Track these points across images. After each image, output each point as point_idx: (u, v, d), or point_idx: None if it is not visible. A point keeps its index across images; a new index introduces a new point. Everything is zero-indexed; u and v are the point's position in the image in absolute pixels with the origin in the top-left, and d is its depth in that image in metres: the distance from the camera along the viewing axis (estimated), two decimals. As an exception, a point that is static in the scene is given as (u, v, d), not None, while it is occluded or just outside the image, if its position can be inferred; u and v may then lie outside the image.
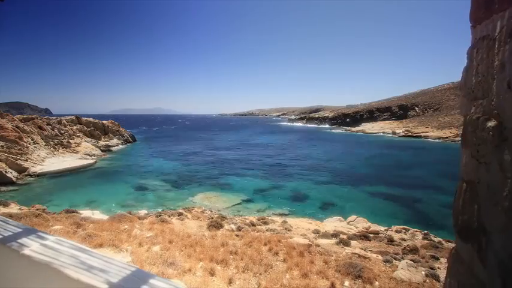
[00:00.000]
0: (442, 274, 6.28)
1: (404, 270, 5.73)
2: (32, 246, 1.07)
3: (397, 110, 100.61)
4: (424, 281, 5.49)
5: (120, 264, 0.97)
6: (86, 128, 46.86)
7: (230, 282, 4.58)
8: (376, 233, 11.19)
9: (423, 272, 5.96)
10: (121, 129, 56.04)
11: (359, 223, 13.22)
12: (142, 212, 12.93)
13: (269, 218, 13.04)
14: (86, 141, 43.17)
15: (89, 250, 1.05)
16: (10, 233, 1.14)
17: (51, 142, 36.79)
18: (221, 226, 8.58)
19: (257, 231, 8.69)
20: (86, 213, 11.58)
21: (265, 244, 6.68)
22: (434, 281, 5.63)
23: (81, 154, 37.45)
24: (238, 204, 20.05)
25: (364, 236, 10.04)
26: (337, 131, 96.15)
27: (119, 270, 0.93)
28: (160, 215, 9.54)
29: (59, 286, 0.94)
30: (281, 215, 16.98)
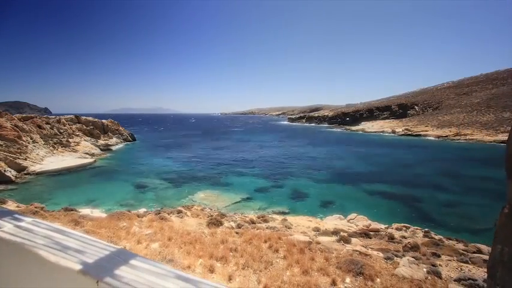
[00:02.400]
0: (444, 271, 6.23)
1: (405, 267, 5.68)
2: (4, 228, 1.01)
3: (397, 109, 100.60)
4: (426, 278, 5.43)
5: (100, 245, 0.91)
6: (85, 127, 46.75)
7: (230, 279, 4.52)
8: (377, 230, 11.14)
9: (425, 269, 5.90)
10: (120, 128, 55.95)
11: (359, 221, 13.17)
12: (142, 210, 12.86)
13: (269, 216, 12.98)
14: (85, 140, 43.08)
15: (67, 231, 0.99)
16: None
17: (50, 141, 36.70)
18: (221, 224, 8.52)
19: (257, 229, 8.63)
20: (85, 211, 11.52)
21: (265, 241, 6.62)
22: (436, 278, 5.58)
23: (81, 153, 37.36)
24: (237, 202, 20.01)
25: (364, 234, 9.99)
26: (337, 130, 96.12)
27: (96, 250, 0.88)
28: (159, 213, 9.48)
29: (31, 267, 0.89)
30: (281, 213, 16.93)
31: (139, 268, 0.81)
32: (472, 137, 59.17)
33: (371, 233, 10.46)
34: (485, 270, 6.76)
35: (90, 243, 0.92)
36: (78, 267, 0.79)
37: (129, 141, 55.21)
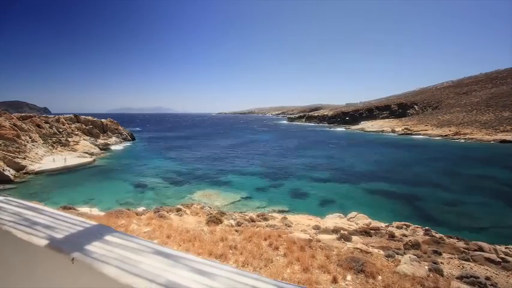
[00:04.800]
0: (446, 269, 6.18)
1: (407, 264, 5.62)
2: None
3: (397, 109, 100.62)
4: (428, 276, 5.37)
5: (74, 222, 0.86)
6: (84, 127, 46.64)
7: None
8: (377, 229, 11.08)
9: (426, 267, 5.85)
10: (120, 127, 55.83)
11: (359, 219, 13.11)
12: (141, 208, 12.79)
13: (269, 214, 12.93)
14: (84, 139, 42.97)
15: (40, 209, 0.94)
16: None
17: (49, 140, 36.59)
18: (220, 222, 8.46)
19: (257, 227, 8.57)
20: (83, 210, 11.45)
21: (265, 239, 6.55)
22: (438, 275, 5.52)
23: (80, 152, 37.25)
24: (237, 201, 19.95)
25: (365, 232, 9.93)
26: (337, 129, 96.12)
27: (69, 226, 0.82)
28: (158, 211, 9.41)
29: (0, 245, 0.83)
30: (281, 211, 16.88)
31: (114, 243, 0.77)
32: (472, 136, 59.19)
33: (371, 231, 10.40)
34: (487, 268, 6.70)
35: (64, 219, 0.87)
36: (52, 244, 0.75)
37: (129, 140, 55.10)
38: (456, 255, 7.59)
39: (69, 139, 39.90)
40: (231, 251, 5.61)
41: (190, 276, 0.65)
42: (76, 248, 0.73)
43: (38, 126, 38.31)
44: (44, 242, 0.76)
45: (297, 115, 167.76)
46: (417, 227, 12.01)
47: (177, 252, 0.72)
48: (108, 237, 0.79)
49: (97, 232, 0.81)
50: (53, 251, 0.73)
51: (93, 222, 0.88)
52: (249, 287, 0.66)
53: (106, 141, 47.60)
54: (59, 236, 0.79)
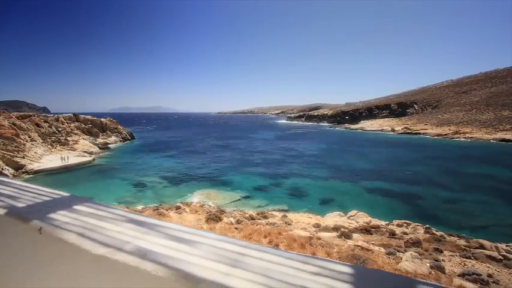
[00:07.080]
0: (447, 266, 6.13)
1: (409, 261, 5.57)
2: None
3: (396, 108, 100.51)
4: (430, 273, 5.32)
5: (43, 193, 0.80)
6: (83, 126, 46.53)
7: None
8: (377, 227, 11.03)
9: (428, 264, 5.80)
10: (119, 126, 55.67)
11: (360, 218, 13.06)
12: (140, 206, 12.72)
13: (269, 212, 12.87)
14: (83, 138, 42.85)
15: (5, 181, 0.88)
16: None
17: (48, 139, 36.48)
18: (220, 219, 8.39)
19: (257, 225, 8.50)
20: (82, 208, 11.36)
21: (265, 236, 6.50)
22: (439, 272, 5.47)
23: (79, 151, 37.14)
24: (237, 200, 19.89)
25: (365, 230, 9.88)
26: (336, 128, 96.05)
27: (35, 196, 0.77)
28: (157, 209, 9.34)
29: None
30: (281, 210, 16.79)
31: (84, 212, 0.74)
32: (471, 135, 59.17)
33: (372, 229, 10.34)
34: (489, 265, 6.64)
35: (32, 190, 0.82)
36: (15, 213, 0.71)
37: (128, 139, 54.93)
38: (457, 253, 7.55)
39: (68, 138, 39.79)
40: (230, 248, 5.55)
41: (166, 244, 0.59)
42: (44, 218, 0.69)
43: (37, 125, 38.18)
44: (3, 211, 0.72)
45: (296, 114, 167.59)
46: (418, 225, 11.97)
47: (153, 220, 0.66)
48: (78, 207, 0.75)
49: (68, 202, 0.75)
50: (18, 221, 0.68)
51: (64, 193, 0.83)
52: (235, 254, 0.61)
53: (105, 140, 47.47)
54: (20, 204, 0.74)
